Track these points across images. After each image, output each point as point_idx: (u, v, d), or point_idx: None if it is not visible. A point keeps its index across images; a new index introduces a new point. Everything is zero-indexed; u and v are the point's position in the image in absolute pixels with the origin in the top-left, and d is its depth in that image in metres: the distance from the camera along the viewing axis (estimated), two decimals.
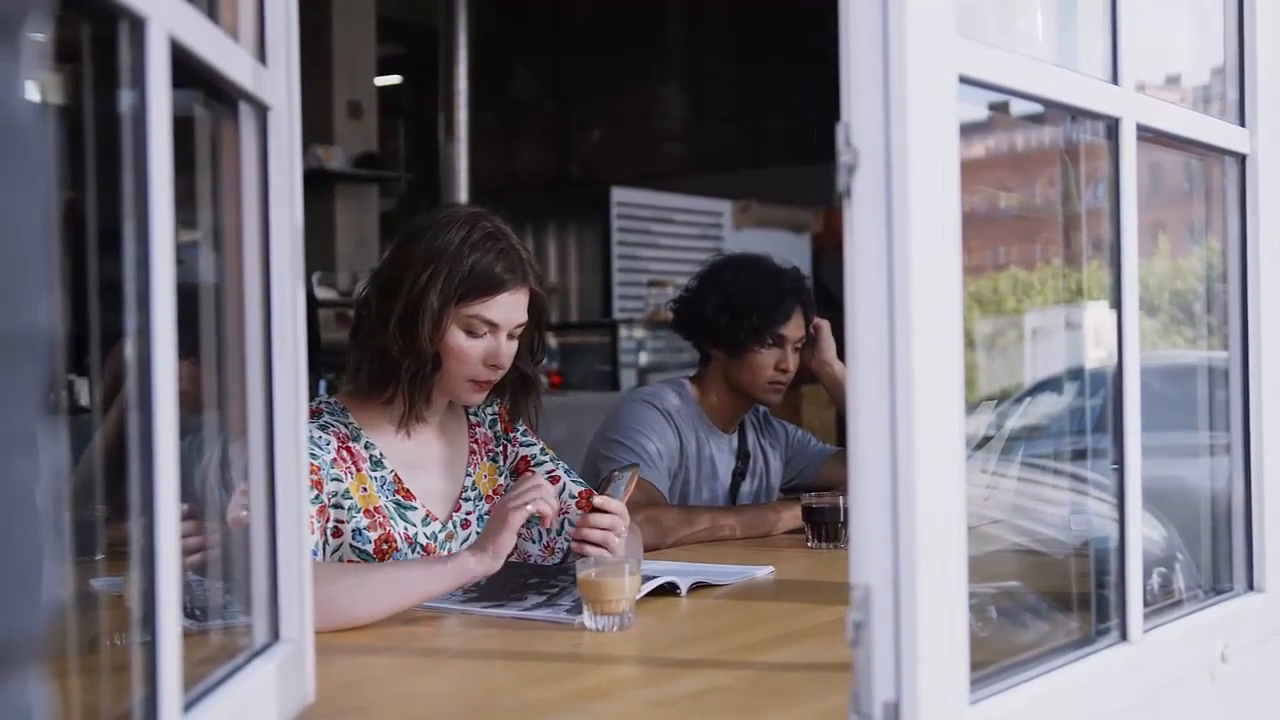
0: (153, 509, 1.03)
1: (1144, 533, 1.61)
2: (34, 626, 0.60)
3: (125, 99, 1.05)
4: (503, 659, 1.83)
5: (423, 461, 2.36)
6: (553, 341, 8.08)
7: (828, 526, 2.73)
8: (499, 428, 2.48)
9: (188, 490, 1.12)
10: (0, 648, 0.58)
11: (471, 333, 2.25)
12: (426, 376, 2.26)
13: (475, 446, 2.44)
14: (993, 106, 1.54)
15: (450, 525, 2.35)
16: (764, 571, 2.44)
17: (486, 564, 2.03)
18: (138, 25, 1.02)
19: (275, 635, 1.42)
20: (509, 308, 2.27)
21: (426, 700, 1.68)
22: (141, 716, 1.02)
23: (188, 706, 1.12)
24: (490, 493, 2.43)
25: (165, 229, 1.05)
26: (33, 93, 0.62)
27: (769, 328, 3.08)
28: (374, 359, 2.26)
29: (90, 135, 1.07)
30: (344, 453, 2.23)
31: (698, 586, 2.27)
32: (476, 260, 2.22)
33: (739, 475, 3.22)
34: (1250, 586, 1.87)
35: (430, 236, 2.24)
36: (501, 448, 2.47)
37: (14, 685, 0.58)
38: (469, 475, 2.41)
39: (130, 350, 1.04)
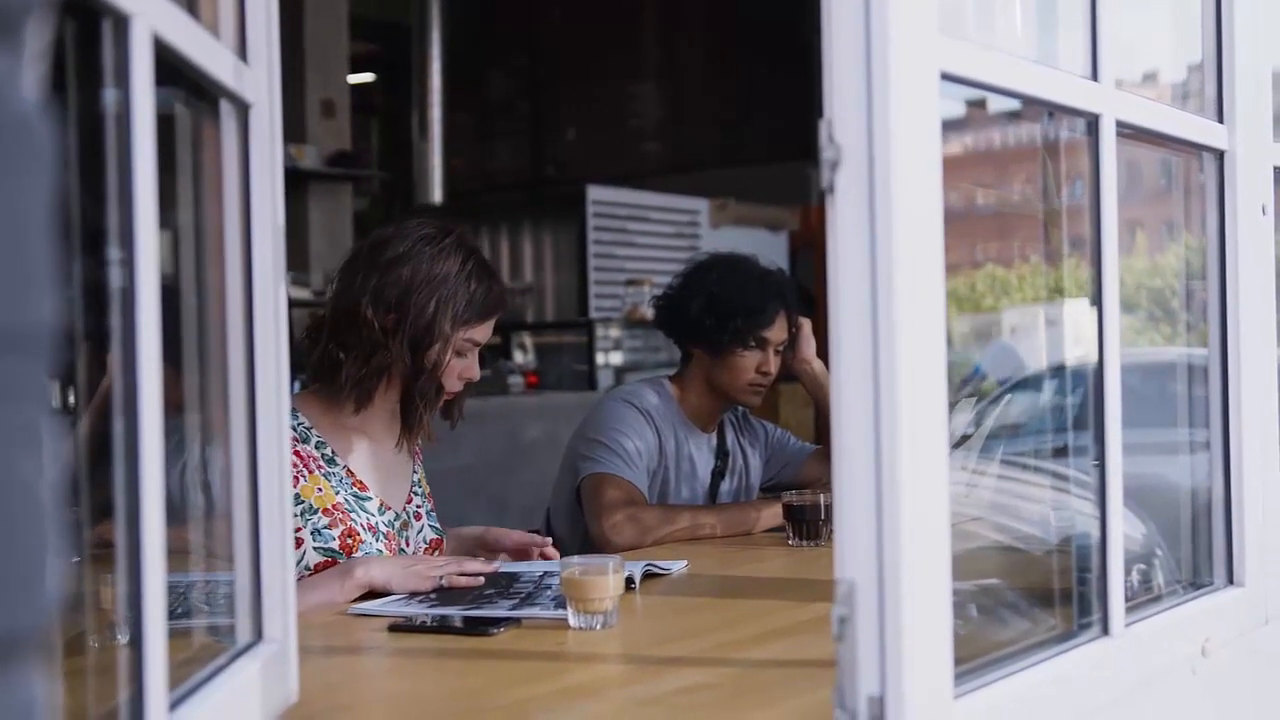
0: (138, 508, 1.03)
1: (1124, 529, 1.62)
2: (39, 622, 0.60)
3: (108, 97, 1.04)
4: (486, 658, 1.82)
5: (374, 459, 2.46)
6: (529, 341, 8.08)
7: (808, 524, 2.74)
8: (421, 441, 2.62)
9: (166, 491, 1.12)
10: (6, 643, 0.58)
11: (459, 353, 2.40)
12: (435, 398, 2.40)
13: (416, 449, 2.58)
14: (970, 103, 1.54)
15: (405, 515, 2.48)
16: (679, 565, 2.48)
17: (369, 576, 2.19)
18: (121, 23, 1.02)
19: (259, 635, 1.41)
20: (491, 329, 2.46)
21: (410, 700, 1.68)
22: (128, 716, 1.02)
23: (173, 706, 1.11)
24: (428, 492, 2.59)
25: (149, 228, 1.04)
26: (35, 91, 0.62)
27: (753, 331, 3.07)
28: (376, 375, 2.36)
29: (71, 132, 1.07)
30: (293, 456, 2.27)
31: (649, 576, 2.34)
32: (477, 289, 2.39)
33: (718, 474, 3.22)
34: (1230, 581, 1.88)
35: (428, 262, 2.36)
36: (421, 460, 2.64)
37: (19, 680, 0.58)
38: (415, 473, 2.56)
39: (114, 352, 1.03)
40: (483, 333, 2.42)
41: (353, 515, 2.35)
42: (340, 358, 2.34)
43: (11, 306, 0.58)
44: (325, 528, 2.30)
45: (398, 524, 2.44)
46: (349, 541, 2.32)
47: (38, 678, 0.60)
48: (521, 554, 2.51)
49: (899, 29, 1.20)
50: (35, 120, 0.61)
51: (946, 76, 1.29)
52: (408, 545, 2.45)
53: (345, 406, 2.38)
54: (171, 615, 1.16)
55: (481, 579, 2.23)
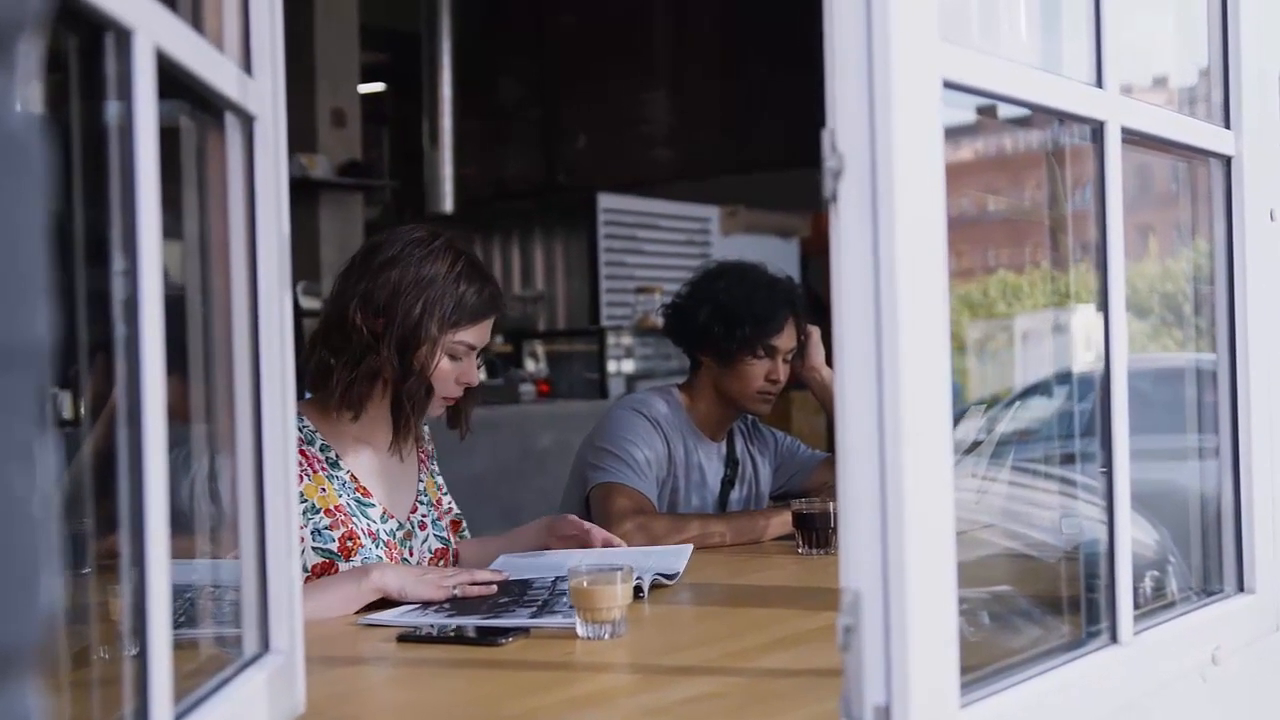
0: (142, 521, 1.03)
1: (1136, 536, 1.61)
2: (33, 636, 0.60)
3: (111, 110, 1.04)
4: (495, 668, 1.82)
5: (379, 467, 2.46)
6: (540, 349, 8.07)
7: (818, 532, 2.73)
8: (431, 447, 2.64)
9: (175, 503, 1.12)
10: (1, 656, 0.58)
11: (453, 356, 2.40)
12: (424, 400, 2.39)
13: (422, 457, 2.59)
14: (980, 110, 1.54)
15: (409, 525, 2.47)
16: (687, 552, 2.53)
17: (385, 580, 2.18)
18: (124, 36, 1.02)
19: (265, 646, 1.41)
20: (487, 332, 2.45)
21: (418, 710, 1.68)
22: None
23: (178, 717, 1.11)
24: (435, 501, 2.58)
25: (152, 240, 1.05)
26: (30, 104, 0.62)
27: (761, 339, 3.07)
28: (367, 380, 2.36)
29: (75, 145, 1.07)
30: (298, 456, 2.28)
31: (657, 586, 2.33)
32: (466, 290, 2.38)
33: (728, 483, 3.22)
34: (1240, 588, 1.87)
35: (416, 265, 2.36)
36: (435, 465, 2.64)
37: (13, 693, 0.59)
38: (420, 481, 2.55)
39: (118, 363, 1.03)
40: (475, 335, 2.41)
41: (354, 519, 2.35)
42: (331, 363, 2.35)
43: (5, 323, 0.58)
44: (326, 528, 2.31)
45: (400, 533, 2.44)
46: (348, 545, 2.32)
47: (33, 691, 0.61)
48: (582, 542, 2.55)
49: (900, 36, 1.20)
50: (29, 135, 0.61)
51: (949, 84, 1.29)
52: (411, 555, 2.45)
53: (343, 414, 2.38)
54: (176, 625, 1.16)
55: (494, 588, 2.23)
